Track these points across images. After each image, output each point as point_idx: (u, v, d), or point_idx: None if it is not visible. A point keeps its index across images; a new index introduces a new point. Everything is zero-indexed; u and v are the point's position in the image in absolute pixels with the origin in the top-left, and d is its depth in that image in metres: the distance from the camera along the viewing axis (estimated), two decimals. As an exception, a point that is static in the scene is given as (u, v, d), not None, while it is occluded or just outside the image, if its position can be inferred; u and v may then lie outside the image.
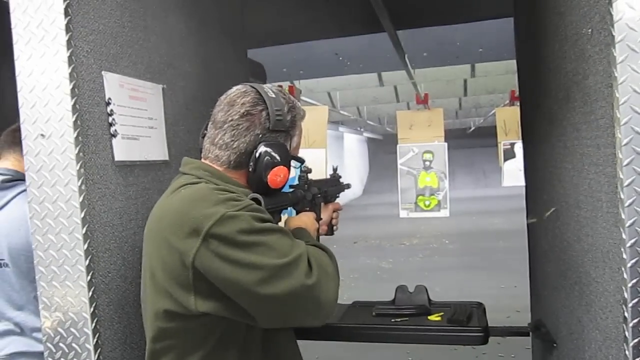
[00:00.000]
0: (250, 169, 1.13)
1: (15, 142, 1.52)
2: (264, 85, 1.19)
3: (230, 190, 1.07)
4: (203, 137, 1.21)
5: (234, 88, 1.18)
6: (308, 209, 1.37)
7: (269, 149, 1.12)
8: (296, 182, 1.36)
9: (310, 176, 1.40)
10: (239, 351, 1.08)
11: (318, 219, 1.40)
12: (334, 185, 1.55)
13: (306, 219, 1.32)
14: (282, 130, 1.16)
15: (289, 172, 1.19)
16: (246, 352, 1.09)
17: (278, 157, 1.13)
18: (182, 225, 1.00)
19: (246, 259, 0.98)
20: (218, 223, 0.97)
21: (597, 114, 0.99)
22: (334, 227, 1.52)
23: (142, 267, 1.13)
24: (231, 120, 1.13)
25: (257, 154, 1.12)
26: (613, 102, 0.89)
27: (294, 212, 1.38)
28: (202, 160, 1.18)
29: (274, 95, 1.16)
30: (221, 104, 1.17)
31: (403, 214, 5.31)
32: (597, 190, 1.02)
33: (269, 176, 1.13)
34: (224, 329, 1.06)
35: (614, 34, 0.87)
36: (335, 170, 1.62)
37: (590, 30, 1.00)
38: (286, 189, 1.26)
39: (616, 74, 0.87)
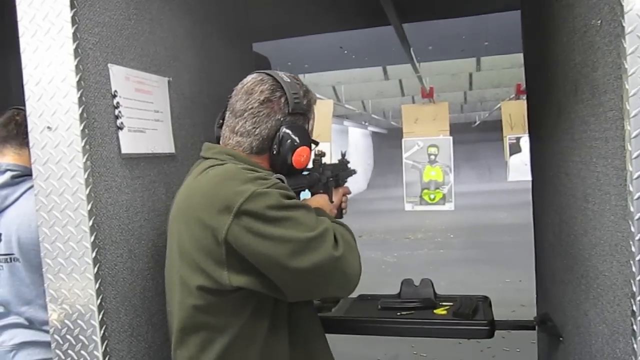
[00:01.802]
0: (274, 152, 1.17)
1: (10, 136, 1.52)
2: (278, 72, 1.22)
3: (255, 170, 1.11)
4: (220, 127, 1.24)
5: (250, 77, 1.21)
6: (322, 191, 1.42)
7: (291, 131, 1.17)
8: (310, 165, 1.40)
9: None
10: (268, 328, 1.11)
11: (330, 201, 1.44)
12: (343, 169, 1.60)
13: (321, 200, 1.36)
14: (301, 112, 1.21)
15: (311, 153, 1.24)
16: (274, 329, 1.12)
17: (300, 139, 1.18)
18: (213, 203, 1.03)
19: (277, 233, 1.01)
20: (249, 200, 1.01)
21: (606, 106, 0.98)
22: (343, 211, 1.57)
23: (167, 249, 1.16)
24: (251, 108, 1.16)
25: (280, 137, 1.16)
26: (622, 94, 0.88)
27: (309, 194, 1.41)
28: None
29: (289, 80, 1.20)
30: (238, 93, 1.20)
31: (408, 207, 5.30)
32: (605, 184, 1.01)
33: (293, 157, 1.18)
34: (254, 305, 1.09)
35: (624, 24, 0.86)
36: (343, 155, 1.65)
37: (599, 22, 0.99)
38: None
39: (626, 66, 0.86)
